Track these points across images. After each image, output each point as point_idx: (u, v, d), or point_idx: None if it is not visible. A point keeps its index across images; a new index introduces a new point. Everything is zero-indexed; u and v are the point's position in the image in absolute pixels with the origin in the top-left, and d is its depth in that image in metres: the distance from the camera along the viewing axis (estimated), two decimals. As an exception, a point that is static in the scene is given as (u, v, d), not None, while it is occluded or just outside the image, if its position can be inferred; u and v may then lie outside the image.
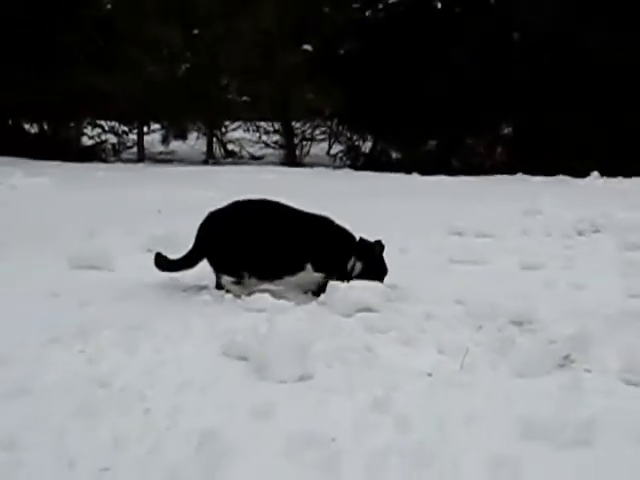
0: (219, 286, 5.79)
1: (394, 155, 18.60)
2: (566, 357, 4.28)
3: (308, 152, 23.44)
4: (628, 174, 14.63)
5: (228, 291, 5.70)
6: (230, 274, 5.67)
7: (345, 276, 5.77)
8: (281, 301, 5.46)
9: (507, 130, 18.03)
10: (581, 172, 14.98)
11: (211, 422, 3.30)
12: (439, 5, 17.77)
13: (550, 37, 16.92)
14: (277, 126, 24.06)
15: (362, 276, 5.78)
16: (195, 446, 2.94)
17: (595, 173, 14.95)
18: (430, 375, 4.11)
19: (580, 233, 8.71)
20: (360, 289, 5.35)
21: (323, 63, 19.28)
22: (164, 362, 4.23)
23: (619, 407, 3.61)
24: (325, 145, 22.79)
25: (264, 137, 24.26)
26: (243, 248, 5.67)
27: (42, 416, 3.46)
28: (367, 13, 18.33)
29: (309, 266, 5.73)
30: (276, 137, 24.08)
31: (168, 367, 4.15)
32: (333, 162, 20.65)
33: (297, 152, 23.24)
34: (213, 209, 5.97)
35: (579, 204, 10.42)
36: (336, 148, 21.51)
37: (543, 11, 17.03)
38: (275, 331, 4.42)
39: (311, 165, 21.23)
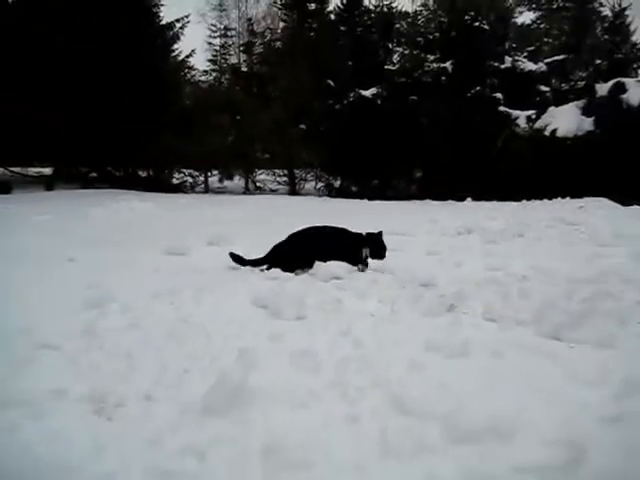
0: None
1: (353, 188, 18.57)
2: (451, 305, 4.27)
3: (303, 187, 23.54)
4: (489, 199, 14.67)
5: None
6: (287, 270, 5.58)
7: (360, 260, 5.82)
8: (287, 274, 5.46)
9: (418, 174, 17.97)
10: (461, 198, 14.98)
11: (246, 343, 3.30)
12: (379, 101, 17.74)
13: (443, 120, 16.94)
14: (285, 172, 24.15)
15: (372, 256, 5.87)
16: (236, 356, 2.93)
17: (469, 199, 14.95)
18: (373, 315, 4.09)
19: (460, 233, 8.69)
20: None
21: (312, 135, 19.30)
22: (219, 309, 4.22)
23: (482, 334, 3.61)
24: (313, 183, 22.84)
25: (277, 179, 24.38)
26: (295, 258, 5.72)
27: (147, 340, 3.46)
28: (337, 106, 18.27)
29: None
30: (284, 178, 24.16)
31: (221, 312, 4.14)
32: (318, 193, 20.60)
33: (297, 187, 23.30)
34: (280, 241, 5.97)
35: (460, 217, 10.40)
36: (319, 185, 21.48)
37: (438, 107, 17.11)
38: (284, 290, 4.42)
39: (305, 194, 21.31)
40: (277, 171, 24.96)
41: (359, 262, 5.76)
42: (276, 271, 5.55)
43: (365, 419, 2.45)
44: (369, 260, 5.86)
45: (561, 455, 2.18)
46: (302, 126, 19.93)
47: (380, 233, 5.92)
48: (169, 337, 3.55)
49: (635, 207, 11.25)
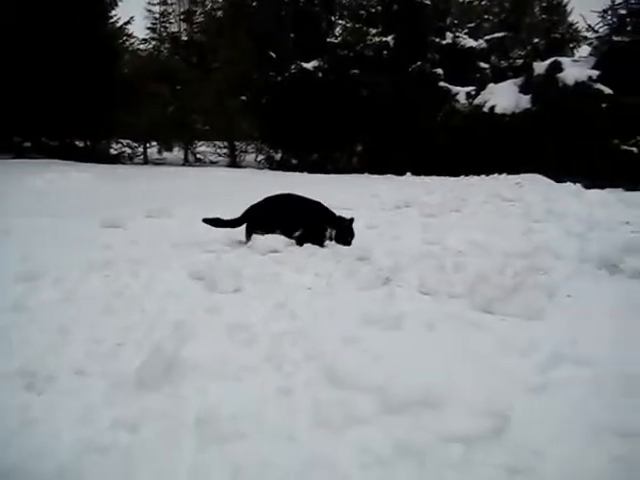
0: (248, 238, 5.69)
1: (293, 161, 18.50)
2: (387, 278, 4.32)
3: (244, 159, 23.40)
4: (429, 174, 14.84)
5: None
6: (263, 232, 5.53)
7: (323, 238, 5.74)
8: (225, 246, 5.44)
9: (359, 148, 18.00)
10: (401, 172, 15.10)
11: (181, 316, 3.28)
12: (320, 74, 17.66)
13: (384, 94, 17.00)
14: (225, 144, 23.92)
15: (336, 239, 5.73)
16: (171, 330, 2.91)
17: (409, 173, 15.08)
18: (310, 289, 4.13)
19: (398, 207, 8.78)
20: (271, 239, 5.35)
21: (253, 107, 19.12)
22: (155, 282, 4.18)
23: (416, 307, 3.67)
24: (254, 155, 22.68)
25: (218, 150, 24.14)
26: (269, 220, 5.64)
27: (80, 314, 3.41)
28: (278, 78, 18.12)
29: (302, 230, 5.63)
30: (225, 150, 23.94)
31: (157, 284, 4.11)
32: (258, 165, 20.48)
33: (237, 159, 23.14)
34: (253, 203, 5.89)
35: (399, 191, 10.50)
36: (260, 157, 21.35)
37: (380, 81, 17.14)
38: (221, 263, 4.41)
39: (245, 167, 21.15)
40: (217, 143, 24.68)
41: (322, 240, 5.71)
42: (213, 244, 5.50)
43: (298, 391, 2.47)
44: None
45: (487, 424, 2.25)
46: (243, 97, 19.69)
47: (352, 220, 5.84)
48: (103, 311, 3.51)
49: (568, 184, 11.54)
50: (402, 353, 2.85)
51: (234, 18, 22.80)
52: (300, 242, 5.58)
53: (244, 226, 5.72)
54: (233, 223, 5.76)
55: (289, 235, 5.56)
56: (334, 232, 5.75)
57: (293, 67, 18.61)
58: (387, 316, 3.32)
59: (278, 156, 20.40)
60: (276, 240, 5.36)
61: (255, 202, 5.84)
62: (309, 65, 18.46)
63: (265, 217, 5.68)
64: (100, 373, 2.64)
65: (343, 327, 3.21)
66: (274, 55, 19.17)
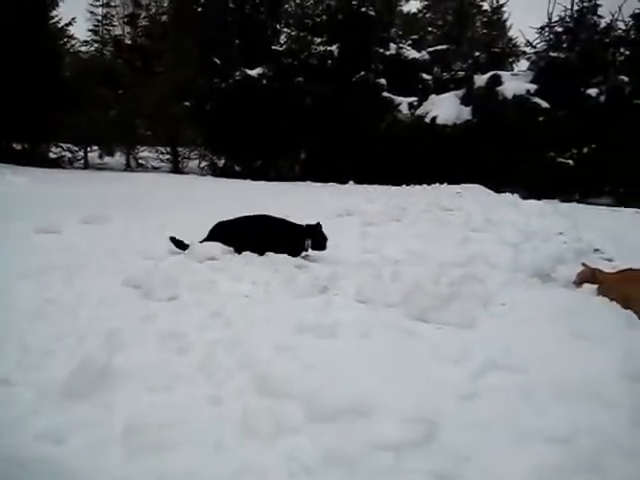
0: None
1: (237, 168, 18.43)
2: (324, 287, 4.35)
3: (187, 165, 23.15)
4: (371, 183, 14.95)
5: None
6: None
7: (302, 250, 5.70)
8: (161, 254, 5.38)
9: (303, 155, 18.04)
10: (344, 180, 15.20)
11: (114, 324, 3.24)
12: (264, 81, 17.66)
13: (328, 103, 17.10)
14: (168, 149, 23.66)
15: (313, 247, 5.72)
16: (104, 338, 2.88)
17: (351, 181, 15.19)
18: (247, 296, 4.12)
19: (339, 215, 8.77)
20: (208, 247, 5.31)
21: (196, 113, 18.98)
22: (89, 289, 4.12)
23: (352, 315, 3.69)
24: (197, 161, 22.49)
25: (160, 156, 23.83)
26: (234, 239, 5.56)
27: (10, 321, 3.36)
28: (223, 85, 18.04)
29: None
30: (167, 156, 23.68)
31: (91, 292, 4.04)
32: (201, 172, 20.33)
33: (180, 165, 22.93)
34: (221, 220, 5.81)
35: (341, 199, 10.53)
36: (203, 163, 21.19)
37: (324, 90, 17.25)
38: (157, 271, 4.37)
39: (188, 173, 20.99)
40: (160, 148, 24.36)
41: (300, 253, 5.68)
42: (150, 251, 5.42)
43: (229, 400, 2.47)
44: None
45: (416, 431, 2.30)
46: (187, 103, 19.52)
47: (319, 224, 5.84)
48: (35, 318, 3.44)
49: (507, 194, 11.77)
50: (335, 361, 2.87)
51: (179, 23, 22.61)
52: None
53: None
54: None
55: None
56: (310, 242, 5.74)
57: (238, 74, 18.54)
58: (322, 324, 3.33)
59: (221, 163, 20.28)
60: (214, 248, 5.32)
61: (223, 220, 5.78)
62: (254, 72, 18.43)
63: (234, 237, 5.61)
64: (28, 382, 2.58)
65: (278, 335, 3.21)
66: (218, 61, 19.08)
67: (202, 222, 5.93)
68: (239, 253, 5.46)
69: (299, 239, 5.71)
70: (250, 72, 18.43)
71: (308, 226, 5.83)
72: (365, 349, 3.11)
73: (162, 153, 24.19)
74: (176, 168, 22.73)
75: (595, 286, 4.64)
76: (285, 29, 21.56)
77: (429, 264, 5.27)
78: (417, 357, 3.06)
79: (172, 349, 2.98)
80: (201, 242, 5.57)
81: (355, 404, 2.40)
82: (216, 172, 19.93)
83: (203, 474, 1.98)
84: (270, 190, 13.62)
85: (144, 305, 3.80)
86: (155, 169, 23.25)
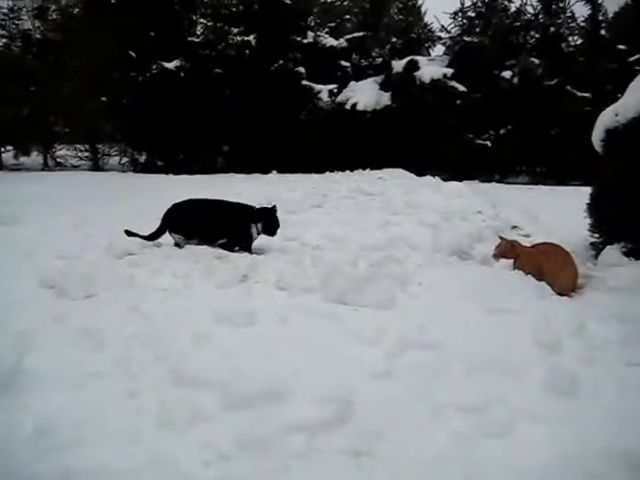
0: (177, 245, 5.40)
1: (159, 163, 18.13)
2: (245, 276, 4.35)
3: (107, 162, 22.59)
4: (294, 171, 14.96)
5: (178, 244, 5.38)
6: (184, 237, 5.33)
7: (250, 240, 5.52)
8: (77, 252, 5.23)
9: (225, 148, 17.91)
10: (267, 171, 15.18)
11: (27, 325, 3.15)
12: (182, 74, 17.42)
13: (248, 94, 17.02)
14: (87, 147, 23.06)
15: (264, 231, 5.50)
16: (14, 340, 2.80)
17: (274, 171, 15.16)
18: (165, 290, 4.06)
19: (261, 205, 8.71)
20: (126, 241, 5.20)
21: (114, 108, 18.55)
22: (1, 291, 3.99)
23: (272, 302, 3.73)
24: (117, 158, 22.02)
25: (79, 154, 23.20)
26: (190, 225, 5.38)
27: None
28: (140, 78, 17.71)
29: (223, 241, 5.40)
30: (87, 154, 23.08)
31: (3, 294, 3.92)
32: (122, 168, 19.91)
33: (100, 162, 22.39)
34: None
35: (262, 189, 10.47)
36: (124, 159, 20.76)
37: (243, 81, 17.17)
38: (72, 269, 4.27)
39: (109, 170, 20.53)
40: (79, 146, 23.69)
41: (249, 239, 5.51)
42: (65, 250, 5.23)
43: (145, 393, 2.45)
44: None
45: (330, 412, 2.33)
46: (103, 98, 19.03)
47: (274, 208, 5.66)
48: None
49: (428, 177, 11.96)
50: (253, 348, 2.89)
51: (92, 15, 21.98)
52: (229, 249, 5.36)
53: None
54: (156, 235, 5.47)
55: (211, 242, 5.34)
56: (260, 225, 5.53)
57: (154, 67, 18.19)
58: (241, 313, 3.34)
59: (142, 158, 19.87)
60: (132, 242, 5.20)
61: (177, 202, 5.57)
62: (171, 65, 18.09)
63: (185, 221, 5.44)
64: None
65: (196, 326, 3.20)
66: (134, 54, 18.68)
67: (118, 219, 5.81)
68: (188, 239, 5.34)
69: (249, 221, 5.52)
70: (167, 65, 18.07)
71: (263, 209, 5.68)
72: (283, 334, 3.14)
73: (81, 150, 23.54)
74: (96, 166, 22.14)
75: (511, 261, 4.81)
76: (202, 20, 21.24)
77: (350, 248, 5.33)
78: (334, 339, 3.11)
79: (87, 347, 2.93)
80: (157, 230, 5.43)
81: (271, 388, 2.42)
82: (137, 168, 19.54)
83: (112, 469, 1.96)
84: (191, 183, 13.41)
85: (59, 304, 3.70)
86: (75, 167, 22.59)
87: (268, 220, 5.55)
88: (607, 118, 5.46)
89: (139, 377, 2.59)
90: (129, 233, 5.37)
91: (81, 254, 5.11)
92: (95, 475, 1.92)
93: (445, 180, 11.04)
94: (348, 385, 2.56)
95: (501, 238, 5.05)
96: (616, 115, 5.33)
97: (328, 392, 2.45)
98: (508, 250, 4.88)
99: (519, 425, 2.46)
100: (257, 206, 5.79)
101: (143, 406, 2.35)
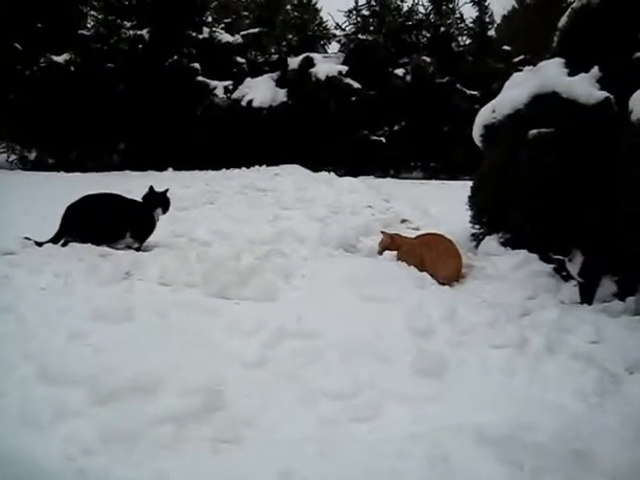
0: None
1: (50, 161, 17.53)
2: (127, 272, 4.30)
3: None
4: (190, 169, 14.76)
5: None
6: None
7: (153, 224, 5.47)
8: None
9: (121, 145, 17.57)
10: (163, 168, 14.89)
11: None
12: (72, 68, 16.92)
13: (142, 89, 16.70)
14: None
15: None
16: None
17: (170, 168, 14.89)
18: (43, 289, 3.96)
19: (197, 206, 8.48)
20: (5, 241, 4.95)
21: (0, 104, 17.79)
22: None
23: (153, 298, 3.71)
24: (5, 155, 21.12)
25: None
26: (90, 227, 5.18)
27: None
28: (27, 72, 17.05)
29: (128, 235, 5.28)
30: (-28, 151, 22.02)
31: None
32: (11, 166, 19.12)
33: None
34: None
35: (157, 186, 10.30)
36: (12, 157, 19.93)
37: (136, 76, 16.83)
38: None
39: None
40: (-38, 144, 22.58)
41: (152, 227, 5.45)
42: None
43: (10, 393, 2.41)
44: None
45: (199, 402, 2.38)
46: (-15, 93, 18.21)
47: (167, 190, 5.70)
48: None
49: (323, 173, 12.12)
50: (127, 343, 2.88)
51: (-28, 6, 21.01)
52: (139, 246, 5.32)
53: None
54: (56, 238, 5.24)
55: (110, 241, 5.20)
56: (161, 210, 5.55)
57: (42, 60, 17.56)
58: (119, 309, 3.32)
59: (32, 155, 19.16)
60: (12, 241, 4.99)
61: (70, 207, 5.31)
62: (60, 58, 17.51)
63: (82, 220, 5.23)
64: None
65: (72, 324, 3.14)
66: (20, 47, 17.96)
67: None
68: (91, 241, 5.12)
69: (151, 208, 5.50)
70: (56, 58, 17.48)
71: (160, 193, 5.67)
72: (160, 329, 3.15)
73: (-36, 149, 22.46)
74: (-21, 164, 21.22)
75: (395, 253, 4.99)
76: (92, 12, 20.66)
77: (238, 243, 5.37)
78: (211, 333, 3.15)
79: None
80: (55, 235, 5.22)
81: (138, 382, 2.44)
82: (27, 166, 18.82)
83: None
84: (84, 181, 13.06)
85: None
86: (-42, 167, 21.57)
87: (166, 203, 5.65)
88: (485, 114, 5.78)
89: (4, 378, 2.54)
90: (28, 240, 5.15)
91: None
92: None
93: (341, 176, 11.26)
94: (220, 376, 2.60)
95: (383, 233, 5.22)
96: (493, 112, 5.64)
97: (198, 383, 2.49)
98: (389, 243, 5.06)
99: (387, 407, 2.58)
100: (156, 191, 5.72)
101: (6, 407, 2.31)
